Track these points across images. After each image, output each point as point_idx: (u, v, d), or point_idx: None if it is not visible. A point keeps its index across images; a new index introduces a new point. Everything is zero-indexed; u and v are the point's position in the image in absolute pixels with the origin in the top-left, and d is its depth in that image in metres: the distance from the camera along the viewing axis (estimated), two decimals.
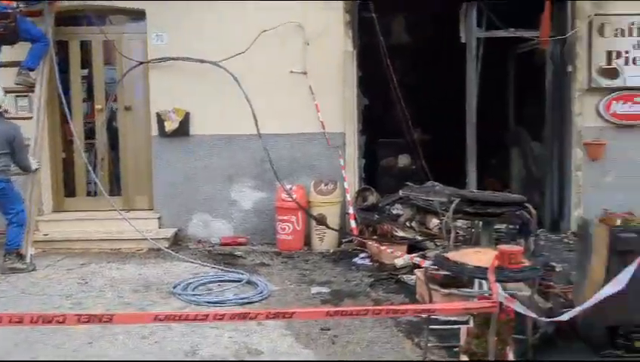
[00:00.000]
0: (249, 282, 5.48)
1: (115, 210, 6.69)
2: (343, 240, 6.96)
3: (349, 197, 6.79)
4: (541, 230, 7.66)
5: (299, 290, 5.37)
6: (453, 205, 4.84)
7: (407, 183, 7.43)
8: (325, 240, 6.83)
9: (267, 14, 6.98)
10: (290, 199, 6.58)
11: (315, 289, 5.36)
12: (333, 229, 6.62)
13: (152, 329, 4.26)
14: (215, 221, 7.19)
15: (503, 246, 3.59)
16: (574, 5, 7.21)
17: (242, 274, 5.68)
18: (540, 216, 7.85)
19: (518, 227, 5.09)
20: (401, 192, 6.82)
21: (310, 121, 7.14)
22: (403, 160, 10.16)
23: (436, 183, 7.15)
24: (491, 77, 8.85)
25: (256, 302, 5.03)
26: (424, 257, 5.70)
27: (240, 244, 6.99)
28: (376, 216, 6.81)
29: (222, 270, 5.91)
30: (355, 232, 6.41)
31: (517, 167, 8.74)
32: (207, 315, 2.85)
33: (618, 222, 6.46)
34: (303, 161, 7.18)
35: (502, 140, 9.25)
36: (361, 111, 7.51)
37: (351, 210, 6.59)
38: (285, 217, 6.77)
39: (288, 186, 6.76)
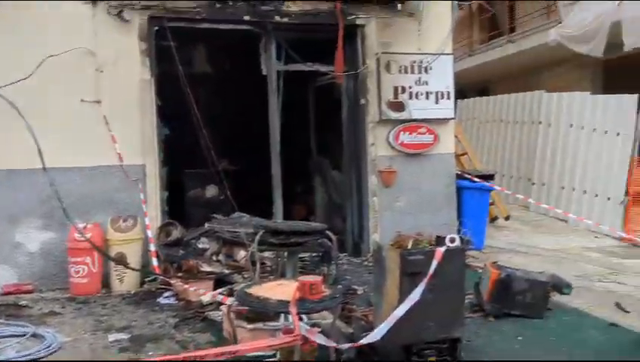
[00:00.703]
0: (35, 335, 4.85)
1: None
2: (146, 280, 6.55)
3: (150, 234, 6.42)
4: (344, 254, 8.03)
5: (94, 339, 4.88)
6: (258, 237, 4.82)
7: (214, 215, 7.33)
8: (126, 281, 6.37)
9: (54, 38, 6.42)
10: (84, 238, 6.02)
11: (112, 337, 4.91)
12: (133, 269, 6.20)
13: None
14: None
15: (304, 278, 3.62)
16: (364, 44, 7.74)
17: (26, 326, 5.01)
18: (342, 240, 8.24)
19: (320, 254, 5.20)
20: (206, 225, 6.68)
21: (106, 153, 6.66)
22: (210, 191, 10.01)
23: (243, 214, 7.14)
24: (295, 108, 9.17)
25: (43, 358, 4.46)
26: (231, 292, 5.58)
27: (26, 292, 6.21)
28: (181, 251, 6.54)
29: (1, 324, 5.17)
30: (157, 270, 6.07)
31: (320, 194, 9.08)
32: None
33: (410, 243, 6.99)
34: (100, 197, 6.65)
35: (307, 169, 9.57)
36: (162, 142, 7.20)
37: (152, 247, 6.23)
38: (79, 259, 6.18)
39: (82, 225, 6.20)
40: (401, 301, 4.27)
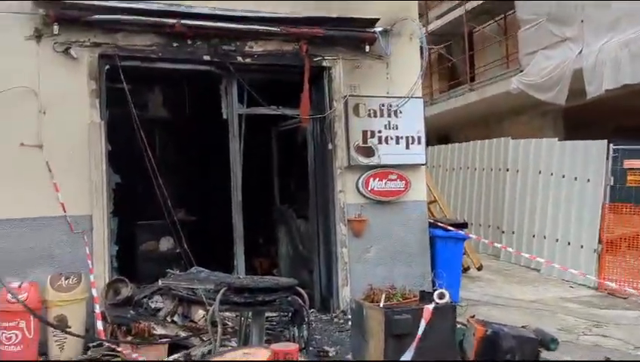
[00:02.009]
0: None
1: None
2: (90, 345, 5.77)
3: (95, 293, 5.70)
4: (312, 310, 7.41)
5: None
6: (219, 295, 4.21)
7: (169, 271, 6.66)
8: (67, 348, 5.59)
9: None
10: (16, 300, 5.26)
11: None
12: (74, 335, 5.44)
13: None
14: None
15: (276, 346, 3.03)
16: (331, 86, 7.37)
17: None
18: (309, 295, 7.64)
19: (290, 315, 4.59)
20: (160, 282, 6.02)
21: (47, 202, 5.99)
22: (165, 243, 9.31)
23: (201, 269, 6.50)
24: (258, 154, 8.69)
25: None
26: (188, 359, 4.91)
27: None
28: (131, 311, 5.82)
29: None
30: (102, 335, 5.33)
31: (285, 246, 8.51)
32: None
33: (382, 297, 6.48)
34: (39, 252, 5.93)
35: (270, 218, 9.01)
36: (111, 191, 6.57)
37: (97, 309, 5.50)
38: (12, 323, 5.37)
39: (16, 284, 5.45)
40: None
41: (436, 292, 3.96)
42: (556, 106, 12.60)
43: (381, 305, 6.07)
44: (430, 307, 3.82)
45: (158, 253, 9.07)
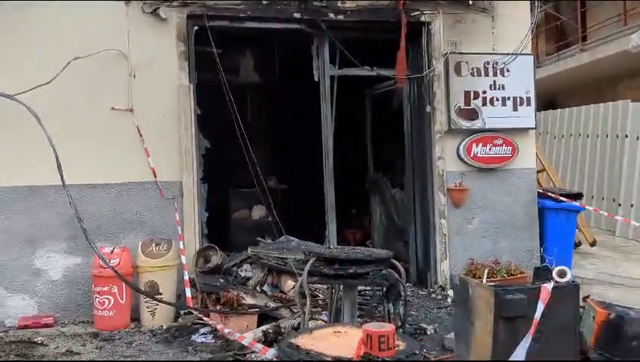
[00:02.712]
0: None
1: None
2: (182, 313, 5.69)
3: (184, 260, 5.58)
4: (407, 284, 6.98)
5: None
6: (307, 266, 3.88)
7: (259, 239, 6.46)
8: (158, 315, 5.52)
9: (80, 38, 5.74)
10: (106, 266, 5.22)
11: None
12: (164, 302, 5.34)
13: None
14: (12, 297, 5.57)
15: (370, 327, 2.64)
16: (430, 44, 6.79)
17: None
18: (405, 268, 7.21)
19: (385, 289, 4.19)
20: (249, 250, 5.81)
21: (138, 167, 5.90)
22: (257, 211, 9.18)
23: (292, 238, 6.23)
24: (351, 119, 8.27)
25: None
26: (277, 329, 4.65)
27: (45, 326, 5.44)
28: (221, 280, 5.67)
29: None
30: (191, 303, 5.19)
31: (378, 216, 8.08)
32: None
33: (485, 273, 5.92)
34: (130, 217, 5.88)
35: (363, 187, 8.61)
36: (202, 156, 6.41)
37: (186, 276, 5.37)
38: (105, 288, 5.37)
39: (108, 249, 5.42)
40: (495, 352, 3.25)
41: (556, 269, 3.40)
42: None
43: (484, 281, 5.59)
44: (549, 286, 3.27)
45: (251, 221, 8.96)
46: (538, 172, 8.64)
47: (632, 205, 9.80)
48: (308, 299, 3.85)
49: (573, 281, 3.46)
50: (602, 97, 12.40)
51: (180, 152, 6.05)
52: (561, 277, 3.41)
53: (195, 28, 6.22)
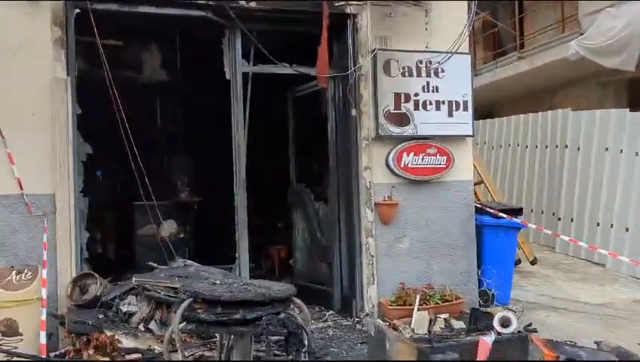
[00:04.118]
0: None
1: None
2: (52, 355, 4.61)
3: (45, 293, 4.49)
4: (329, 313, 6.16)
5: None
6: (180, 310, 2.93)
7: (150, 263, 5.46)
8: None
9: None
10: None
11: None
12: (21, 356, 4.23)
13: None
14: None
15: None
16: (356, 38, 5.99)
17: None
18: (327, 293, 6.37)
19: (284, 338, 3.28)
20: (134, 279, 4.80)
21: (0, 177, 4.84)
22: (168, 227, 8.12)
23: (190, 262, 5.27)
24: (278, 126, 7.41)
25: None
26: None
27: None
28: (100, 316, 4.63)
29: None
30: (44, 352, 4.12)
31: (301, 233, 7.19)
32: None
33: (417, 299, 5.18)
34: None
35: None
36: (81, 164, 5.35)
37: (43, 315, 4.30)
38: None
39: None
40: None
41: (498, 316, 2.60)
42: (619, 76, 10.92)
43: (415, 309, 4.79)
44: (489, 340, 2.45)
45: (159, 238, 7.90)
46: (475, 184, 7.98)
47: (572, 219, 9.31)
48: (180, 353, 2.91)
49: (519, 332, 2.66)
50: (541, 106, 12.00)
51: (53, 159, 4.99)
52: (505, 327, 2.60)
53: (77, 11, 5.20)
